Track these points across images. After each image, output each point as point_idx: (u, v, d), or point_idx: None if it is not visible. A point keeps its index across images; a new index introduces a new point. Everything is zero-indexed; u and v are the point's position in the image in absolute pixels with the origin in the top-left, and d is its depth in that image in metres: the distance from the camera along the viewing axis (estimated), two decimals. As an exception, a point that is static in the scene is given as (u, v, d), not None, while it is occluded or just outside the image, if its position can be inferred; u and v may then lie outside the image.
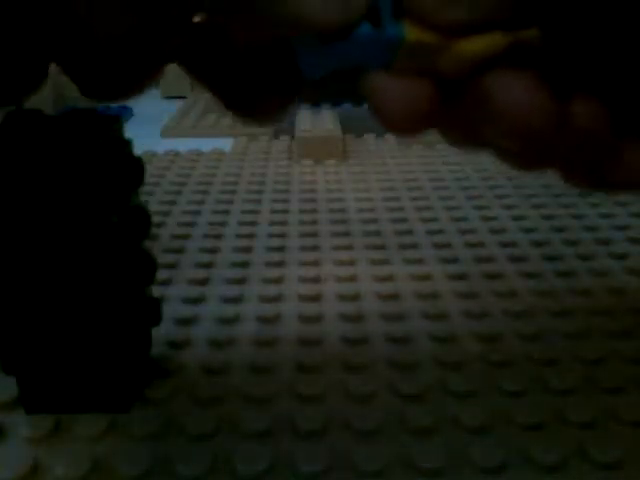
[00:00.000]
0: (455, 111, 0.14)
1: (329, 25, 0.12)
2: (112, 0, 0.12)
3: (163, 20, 0.13)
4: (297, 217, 0.33)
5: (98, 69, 0.13)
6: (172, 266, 0.28)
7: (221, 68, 0.14)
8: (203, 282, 0.27)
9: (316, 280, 0.27)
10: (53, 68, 0.14)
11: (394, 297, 0.25)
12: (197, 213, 0.34)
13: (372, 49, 0.13)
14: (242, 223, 0.33)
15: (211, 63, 0.14)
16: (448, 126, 0.15)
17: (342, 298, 0.25)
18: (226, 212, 0.34)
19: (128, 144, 0.19)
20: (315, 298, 0.25)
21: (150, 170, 0.40)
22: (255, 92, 0.14)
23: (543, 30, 0.13)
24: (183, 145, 0.46)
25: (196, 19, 0.13)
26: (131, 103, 0.58)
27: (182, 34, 0.13)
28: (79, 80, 0.14)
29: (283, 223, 0.33)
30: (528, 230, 0.32)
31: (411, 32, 0.13)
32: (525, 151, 0.14)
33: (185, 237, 0.31)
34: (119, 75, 0.14)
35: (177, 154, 0.45)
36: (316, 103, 0.50)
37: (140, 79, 0.14)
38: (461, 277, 0.27)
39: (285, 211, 0.34)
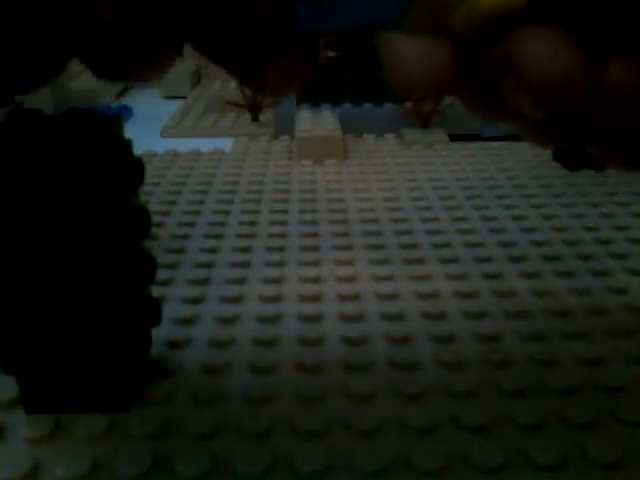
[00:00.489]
0: (476, 75, 0.13)
1: None
2: None
3: None
4: (297, 217, 0.33)
5: (111, 49, 0.13)
6: (172, 266, 0.28)
7: (227, 36, 0.14)
8: (203, 282, 0.27)
9: (316, 280, 0.27)
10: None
11: (394, 297, 0.25)
12: (197, 213, 0.34)
13: (379, 4, 0.12)
14: (242, 223, 0.33)
15: (217, 33, 0.14)
16: (468, 91, 0.14)
17: (342, 298, 0.25)
18: (226, 212, 0.34)
19: (128, 144, 0.19)
20: (315, 298, 0.25)
21: (150, 170, 0.40)
22: (262, 56, 0.14)
23: None
24: (183, 145, 0.46)
25: None
26: (131, 103, 0.58)
27: (190, 8, 0.13)
28: (95, 62, 0.14)
29: (283, 223, 0.33)
30: (528, 230, 0.32)
31: None
32: (552, 120, 0.13)
33: (185, 237, 0.31)
34: (132, 53, 0.13)
35: (177, 154, 0.45)
36: (316, 103, 0.50)
37: (155, 56, 0.14)
38: (461, 277, 0.27)
39: (285, 211, 0.34)
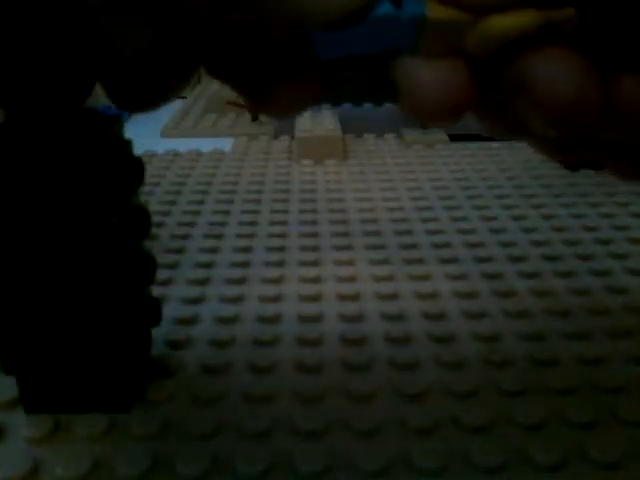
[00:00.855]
0: (491, 96, 0.13)
1: (346, 10, 0.12)
2: (132, 16, 0.12)
3: (184, 29, 0.12)
4: (297, 217, 0.33)
5: (131, 82, 0.14)
6: (172, 266, 0.28)
7: (240, 62, 0.14)
8: (203, 282, 0.27)
9: (316, 280, 0.27)
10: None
11: (394, 297, 0.25)
12: (197, 213, 0.34)
13: (393, 30, 0.12)
14: (242, 223, 0.33)
15: (230, 60, 0.14)
16: (484, 112, 0.14)
17: (342, 298, 0.25)
18: (226, 212, 0.34)
19: (128, 144, 0.19)
20: (315, 298, 0.25)
21: (150, 170, 0.40)
22: (274, 80, 0.14)
23: (580, 9, 0.12)
24: (183, 145, 0.46)
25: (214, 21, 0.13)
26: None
27: (204, 41, 0.13)
28: (114, 93, 0.14)
29: (283, 223, 0.33)
30: (528, 230, 0.32)
31: (434, 10, 0.12)
32: (566, 138, 0.13)
33: (185, 237, 0.31)
34: (149, 85, 0.14)
35: (177, 154, 0.45)
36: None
37: (169, 86, 0.14)
38: (461, 277, 0.27)
39: (285, 211, 0.34)
